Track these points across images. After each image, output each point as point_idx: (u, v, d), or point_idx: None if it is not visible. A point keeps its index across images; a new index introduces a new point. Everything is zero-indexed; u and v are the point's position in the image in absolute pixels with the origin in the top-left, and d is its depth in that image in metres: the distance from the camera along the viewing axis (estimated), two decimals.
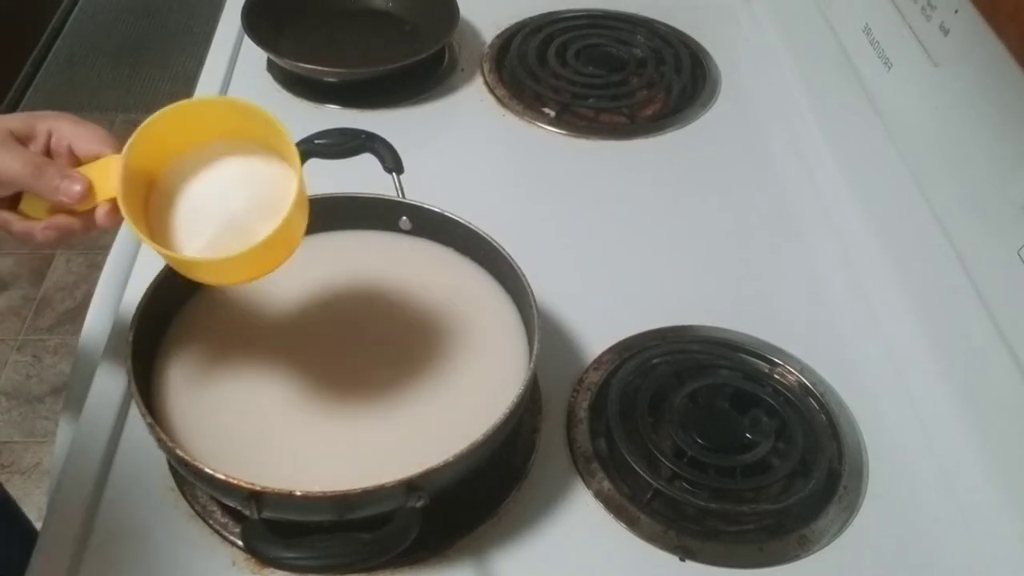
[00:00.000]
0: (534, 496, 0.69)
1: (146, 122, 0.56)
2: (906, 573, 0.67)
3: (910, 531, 0.69)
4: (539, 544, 0.66)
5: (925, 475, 0.72)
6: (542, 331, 0.66)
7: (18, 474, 1.70)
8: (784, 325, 0.82)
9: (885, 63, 0.88)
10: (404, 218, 0.77)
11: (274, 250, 0.57)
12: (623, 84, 1.08)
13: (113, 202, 0.56)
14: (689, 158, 1.01)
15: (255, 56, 1.08)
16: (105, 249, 0.90)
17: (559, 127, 1.03)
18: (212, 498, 0.67)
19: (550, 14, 1.18)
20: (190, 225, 0.58)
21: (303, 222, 0.58)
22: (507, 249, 0.71)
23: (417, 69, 1.07)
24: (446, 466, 0.57)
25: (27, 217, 0.59)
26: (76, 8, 2.86)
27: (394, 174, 0.75)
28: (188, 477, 0.65)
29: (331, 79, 1.05)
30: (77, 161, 0.58)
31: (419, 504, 0.56)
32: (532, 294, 0.68)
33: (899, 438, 0.74)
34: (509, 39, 1.14)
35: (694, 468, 0.69)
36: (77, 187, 0.56)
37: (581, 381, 0.76)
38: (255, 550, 0.54)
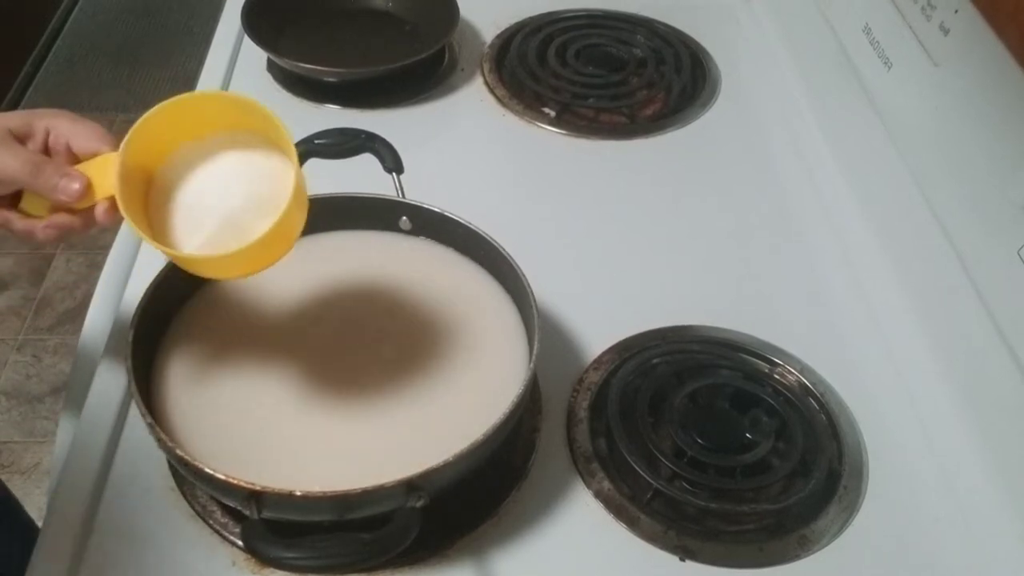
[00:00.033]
0: (534, 496, 0.69)
1: (142, 119, 0.56)
2: (906, 573, 0.67)
3: (910, 531, 0.69)
4: (539, 544, 0.66)
5: (925, 475, 0.72)
6: (542, 331, 0.66)
7: (18, 474, 1.70)
8: (784, 325, 0.82)
9: (885, 63, 0.88)
10: (404, 218, 0.77)
11: (273, 245, 0.57)
12: (623, 84, 1.08)
13: (112, 199, 0.56)
14: (689, 158, 1.01)
15: (255, 56, 1.08)
16: (105, 249, 0.90)
17: (559, 127, 1.03)
18: (212, 498, 0.67)
19: (550, 14, 1.18)
20: (189, 220, 0.58)
21: (302, 216, 0.58)
22: (507, 249, 0.71)
23: (417, 69, 1.07)
24: (446, 466, 0.57)
25: (28, 215, 0.59)
26: (76, 8, 2.86)
27: (394, 174, 0.75)
28: (188, 477, 0.65)
29: (331, 79, 1.05)
30: (75, 159, 0.58)
31: (419, 504, 0.56)
32: (532, 294, 0.68)
33: (899, 438, 0.74)
34: (509, 39, 1.14)
35: (694, 468, 0.69)
36: (76, 185, 0.56)
37: (581, 381, 0.76)
38: (255, 550, 0.54)
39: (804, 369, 0.78)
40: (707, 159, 1.01)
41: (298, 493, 0.55)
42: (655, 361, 0.77)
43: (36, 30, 2.68)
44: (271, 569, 0.64)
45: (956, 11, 0.75)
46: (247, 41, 1.07)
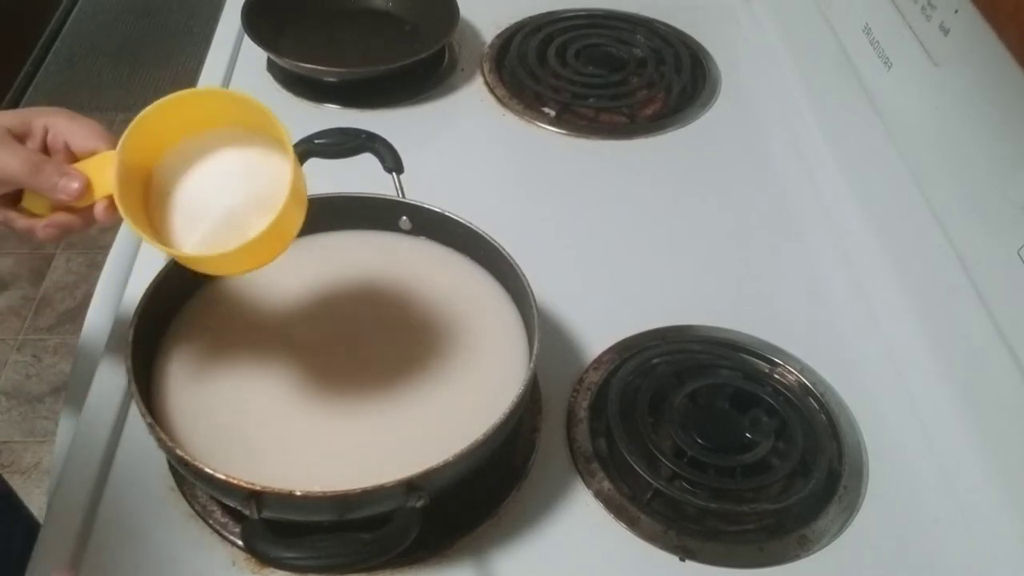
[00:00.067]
0: (534, 496, 0.69)
1: (138, 117, 0.56)
2: (906, 573, 0.67)
3: (910, 531, 0.69)
4: (539, 544, 0.66)
5: (925, 475, 0.72)
6: (542, 331, 0.66)
7: (18, 474, 1.70)
8: (784, 325, 0.82)
9: (885, 63, 0.88)
10: (404, 218, 0.77)
11: (272, 242, 0.57)
12: (623, 84, 1.08)
13: (112, 198, 0.56)
14: (689, 158, 1.01)
15: (255, 56, 1.08)
16: (105, 249, 0.90)
17: (559, 127, 1.03)
18: (212, 498, 0.67)
19: (550, 14, 1.18)
20: (188, 217, 0.58)
21: (300, 212, 0.58)
22: (507, 249, 0.71)
23: (417, 69, 1.07)
24: (446, 466, 0.57)
25: (29, 213, 0.59)
26: (76, 8, 2.86)
27: (394, 174, 0.75)
28: (188, 477, 0.65)
29: (331, 79, 1.05)
30: (74, 157, 0.58)
31: (419, 504, 0.56)
32: (532, 294, 0.68)
33: (899, 438, 0.74)
34: (509, 39, 1.14)
35: (694, 468, 0.69)
36: (75, 184, 0.56)
37: (581, 381, 0.76)
38: (255, 550, 0.54)
39: (804, 369, 0.78)
40: (707, 159, 1.01)
41: (298, 493, 0.55)
42: (655, 361, 0.77)
43: (36, 30, 2.68)
44: (271, 569, 0.64)
45: (956, 11, 0.75)
46: (247, 41, 1.07)
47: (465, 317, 0.72)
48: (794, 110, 1.03)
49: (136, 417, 0.59)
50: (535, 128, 1.03)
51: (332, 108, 1.04)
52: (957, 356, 0.74)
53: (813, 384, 0.77)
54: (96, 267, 1.51)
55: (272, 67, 1.08)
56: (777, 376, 0.77)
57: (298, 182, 0.56)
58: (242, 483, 0.55)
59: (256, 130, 0.58)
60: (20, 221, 0.59)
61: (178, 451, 0.58)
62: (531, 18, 1.18)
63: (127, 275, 0.84)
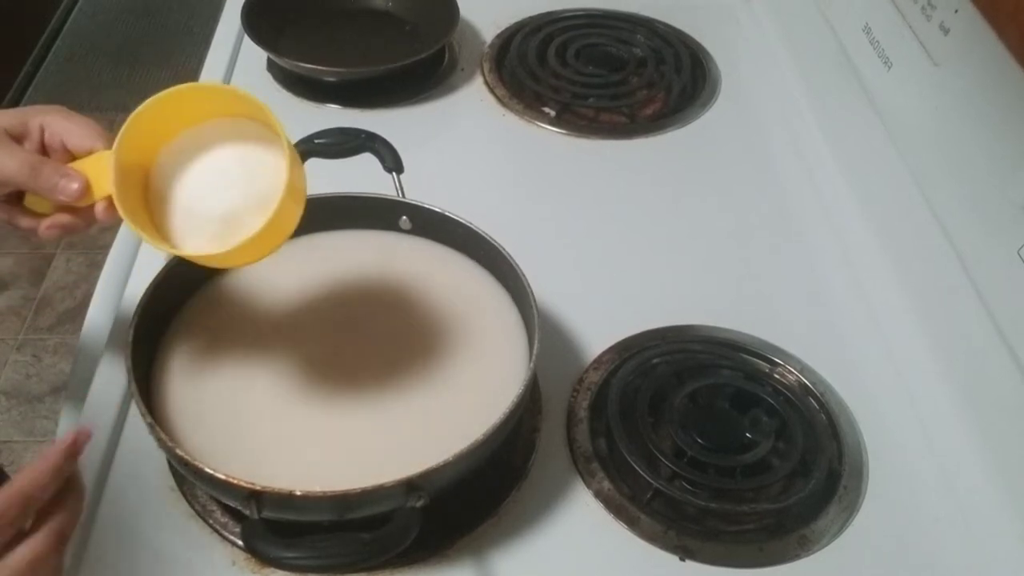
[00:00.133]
0: (534, 496, 0.69)
1: (133, 115, 0.55)
2: (906, 573, 0.67)
3: (910, 531, 0.69)
4: (539, 544, 0.66)
5: (925, 475, 0.72)
6: (542, 331, 0.66)
7: None
8: (784, 325, 0.82)
9: (885, 63, 0.88)
10: (404, 218, 0.77)
11: (270, 238, 0.56)
12: (623, 84, 1.08)
13: (111, 197, 0.56)
14: (689, 158, 1.01)
15: (255, 56, 1.08)
16: (105, 249, 0.90)
17: (559, 127, 1.03)
18: (212, 498, 0.67)
19: (550, 14, 1.18)
20: (187, 213, 0.58)
21: (299, 207, 0.58)
22: (507, 249, 0.71)
23: (417, 69, 1.07)
24: (446, 466, 0.57)
25: (32, 212, 0.59)
26: (76, 8, 2.86)
27: (394, 174, 0.75)
28: (188, 477, 0.65)
29: (331, 79, 1.05)
30: (72, 156, 0.58)
31: (419, 504, 0.56)
32: (532, 294, 0.68)
33: (899, 438, 0.74)
34: (509, 39, 1.14)
35: (694, 468, 0.69)
36: (75, 185, 0.56)
37: (581, 381, 0.76)
38: (255, 550, 0.54)
39: (804, 369, 0.78)
40: (707, 159, 1.01)
41: (298, 493, 0.55)
42: (655, 361, 0.77)
43: (36, 30, 2.68)
44: (271, 569, 0.64)
45: (956, 11, 0.75)
46: (247, 41, 1.07)
47: (465, 317, 0.72)
48: (794, 110, 1.03)
49: (136, 417, 0.59)
50: (535, 128, 1.03)
51: (332, 108, 1.04)
52: (957, 356, 0.74)
53: (813, 384, 0.77)
54: (96, 267, 1.51)
55: (272, 67, 1.08)
56: (777, 376, 0.77)
57: (295, 177, 0.55)
58: (242, 483, 0.55)
59: (253, 124, 0.58)
60: (23, 220, 0.59)
61: (178, 451, 0.58)
62: (531, 18, 1.18)
63: (127, 275, 0.84)
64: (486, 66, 1.11)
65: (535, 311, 0.67)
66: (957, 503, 0.70)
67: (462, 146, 1.03)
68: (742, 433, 0.72)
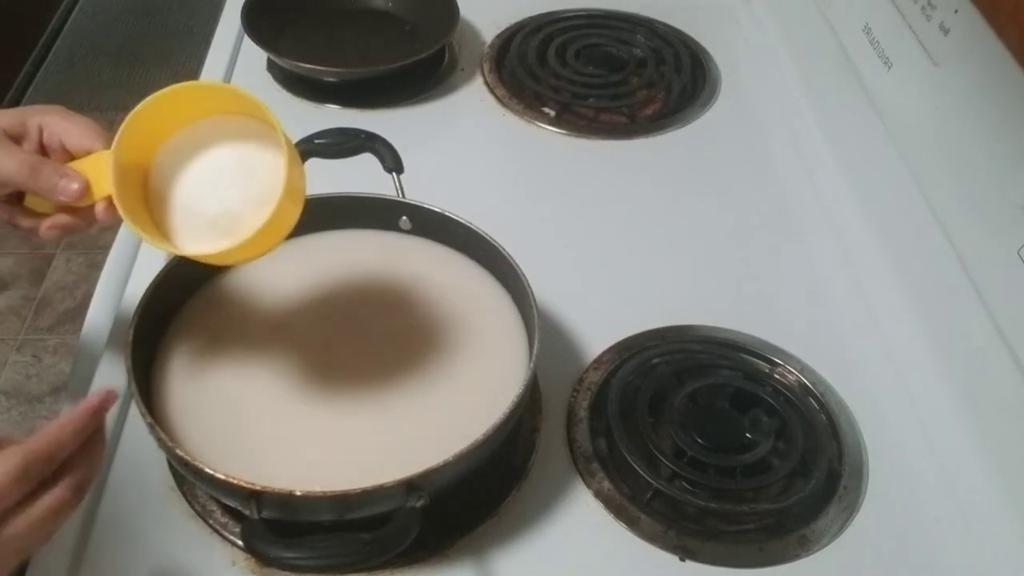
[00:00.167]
0: (534, 496, 0.69)
1: (131, 114, 0.55)
2: (906, 573, 0.67)
3: (910, 531, 0.69)
4: (539, 544, 0.66)
5: (925, 475, 0.72)
6: (542, 331, 0.66)
7: None
8: (784, 325, 0.82)
9: (885, 63, 0.88)
10: (404, 218, 0.77)
11: (270, 235, 0.56)
12: (623, 84, 1.08)
13: (111, 197, 0.56)
14: (689, 158, 1.01)
15: (255, 56, 1.08)
16: (105, 249, 0.90)
17: (559, 127, 1.03)
18: (212, 498, 0.67)
19: (550, 14, 1.18)
20: (187, 212, 0.58)
21: (297, 204, 0.58)
22: (507, 249, 0.71)
23: (417, 69, 1.07)
24: (446, 466, 0.57)
25: (33, 212, 0.59)
26: (76, 8, 2.86)
27: (394, 174, 0.75)
28: (188, 477, 0.65)
29: (331, 79, 1.05)
30: (71, 156, 0.58)
31: (419, 504, 0.56)
32: (532, 294, 0.68)
33: (899, 438, 0.74)
34: (509, 39, 1.14)
35: (694, 468, 0.69)
36: (75, 186, 0.56)
37: (581, 381, 0.76)
38: (255, 550, 0.54)
39: (804, 369, 0.78)
40: (707, 159, 1.01)
41: (298, 493, 0.55)
42: (655, 361, 0.77)
43: (36, 30, 2.68)
44: (271, 569, 0.64)
45: (956, 11, 0.75)
46: (247, 41, 1.07)
47: (465, 317, 0.72)
48: (794, 110, 1.03)
49: (136, 417, 0.59)
50: (535, 128, 1.03)
51: (332, 108, 1.04)
52: (957, 356, 0.74)
53: (813, 384, 0.77)
54: (96, 267, 1.51)
55: (272, 67, 1.08)
56: (777, 376, 0.77)
57: (294, 175, 0.55)
58: (242, 483, 0.55)
59: (252, 123, 0.58)
60: (24, 220, 0.59)
61: (178, 451, 0.58)
62: (531, 18, 1.18)
63: (127, 275, 0.84)
64: (486, 66, 1.11)
65: (535, 311, 0.67)
66: (957, 503, 0.70)
67: (462, 146, 1.03)
68: (742, 433, 0.72)
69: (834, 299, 0.86)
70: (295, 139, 0.65)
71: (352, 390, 0.67)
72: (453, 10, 1.10)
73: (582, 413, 0.74)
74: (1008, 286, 0.68)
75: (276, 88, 1.06)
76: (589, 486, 0.70)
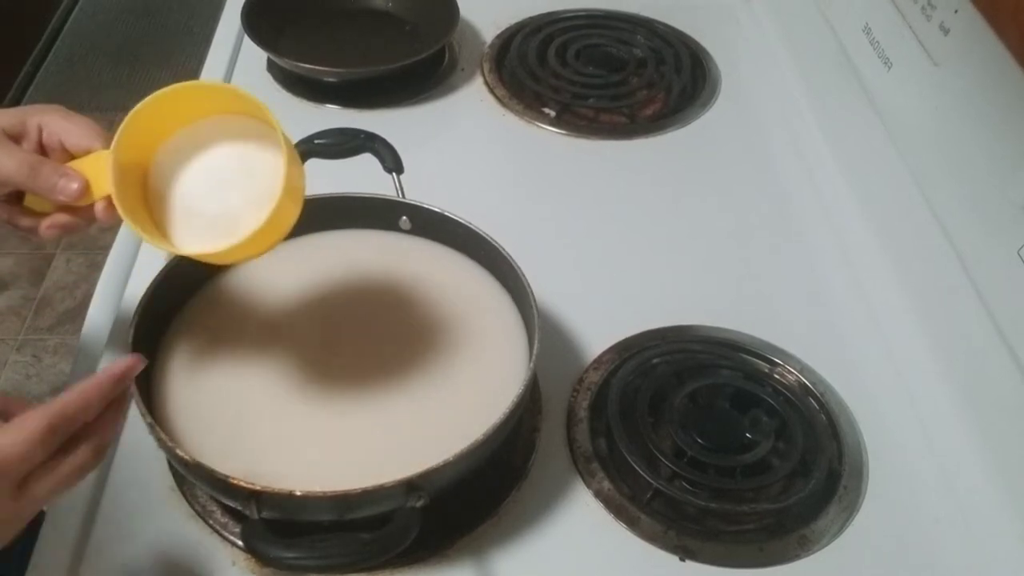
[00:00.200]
0: (534, 496, 0.69)
1: (131, 114, 0.55)
2: (906, 573, 0.67)
3: (910, 531, 0.69)
4: (539, 544, 0.66)
5: (925, 475, 0.72)
6: (542, 331, 0.66)
7: None
8: (784, 325, 0.82)
9: (885, 63, 0.88)
10: (404, 218, 0.77)
11: (269, 235, 0.56)
12: (623, 84, 1.08)
13: (110, 197, 0.56)
14: (689, 158, 1.01)
15: (255, 56, 1.08)
16: (105, 249, 0.90)
17: (559, 127, 1.03)
18: (212, 498, 0.67)
19: (550, 14, 1.18)
20: (186, 211, 0.58)
21: (296, 204, 0.58)
22: (507, 249, 0.71)
23: (417, 69, 1.07)
24: (446, 466, 0.57)
25: (32, 211, 0.59)
26: (76, 8, 2.86)
27: (394, 174, 0.75)
28: (188, 477, 0.65)
29: (331, 79, 1.05)
30: (70, 155, 0.58)
31: (419, 504, 0.56)
32: (532, 294, 0.68)
33: (899, 438, 0.74)
34: (509, 39, 1.14)
35: (694, 468, 0.69)
36: (74, 185, 0.56)
37: (581, 381, 0.76)
38: (255, 550, 0.54)
39: (804, 369, 0.78)
40: (707, 159, 1.01)
41: (298, 493, 0.55)
42: (655, 361, 0.77)
43: (36, 30, 2.68)
44: (271, 569, 0.64)
45: (956, 11, 0.75)
46: (247, 41, 1.07)
47: (465, 317, 0.72)
48: (794, 110, 1.03)
49: (136, 417, 0.59)
50: (535, 128, 1.03)
51: (332, 108, 1.04)
52: (957, 356, 0.74)
53: (813, 384, 0.77)
54: (96, 267, 1.51)
55: (272, 67, 1.08)
56: (777, 376, 0.77)
57: (293, 175, 0.55)
58: (242, 483, 0.55)
59: (252, 123, 0.58)
60: (23, 220, 0.59)
61: (178, 451, 0.58)
62: (531, 18, 1.18)
63: (127, 275, 0.84)
64: (486, 66, 1.11)
65: (535, 311, 0.67)
66: (957, 503, 0.70)
67: (462, 146, 1.03)
68: (742, 433, 0.72)
69: (834, 299, 0.86)
70: (295, 139, 0.65)
71: (352, 390, 0.67)
72: (453, 10, 1.10)
73: (582, 413, 0.74)
74: (1008, 286, 0.68)
75: (276, 88, 1.06)
76: (589, 486, 0.70)
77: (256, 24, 1.07)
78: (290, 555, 0.53)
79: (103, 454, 0.51)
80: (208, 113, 0.58)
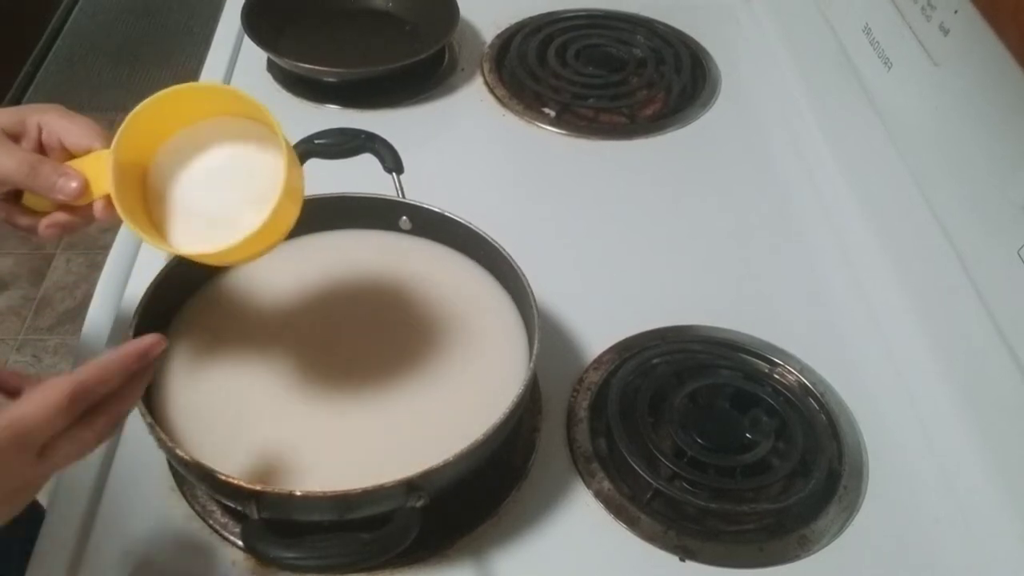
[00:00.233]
0: (534, 496, 0.69)
1: (131, 115, 0.55)
2: (906, 573, 0.67)
3: (910, 531, 0.69)
4: (539, 544, 0.66)
5: (925, 475, 0.72)
6: (542, 331, 0.66)
7: None
8: (784, 325, 0.82)
9: (885, 63, 0.88)
10: (404, 218, 0.77)
11: (268, 235, 0.56)
12: (623, 84, 1.08)
13: (110, 196, 0.56)
14: (689, 158, 1.01)
15: (255, 56, 1.08)
16: (105, 249, 0.90)
17: (559, 127, 1.03)
18: (212, 498, 0.67)
19: (550, 14, 1.18)
20: (185, 211, 0.58)
21: (296, 205, 0.58)
22: (507, 249, 0.71)
23: (417, 69, 1.07)
24: (446, 466, 0.57)
25: (31, 211, 0.59)
26: (76, 8, 2.86)
27: (394, 174, 0.75)
28: (188, 477, 0.65)
29: (331, 79, 1.05)
30: (69, 155, 0.58)
31: (419, 504, 0.56)
32: (532, 294, 0.68)
33: (899, 438, 0.74)
34: (509, 39, 1.14)
35: (694, 468, 0.69)
36: (74, 184, 0.56)
37: (581, 381, 0.76)
38: (255, 550, 0.54)
39: (804, 369, 0.78)
40: (707, 159, 1.01)
41: (298, 493, 0.55)
42: (655, 361, 0.77)
43: (36, 30, 2.68)
44: (271, 569, 0.64)
45: (956, 11, 0.75)
46: (247, 41, 1.07)
47: (465, 317, 0.72)
48: (794, 110, 1.03)
49: (136, 417, 0.58)
50: (535, 128, 1.03)
51: (332, 108, 1.04)
52: (957, 356, 0.74)
53: (813, 384, 0.77)
54: (96, 267, 1.51)
55: (272, 67, 1.08)
56: (777, 376, 0.77)
57: (293, 176, 0.55)
58: (242, 483, 0.55)
59: (252, 124, 0.58)
60: (22, 219, 0.59)
61: (178, 451, 0.58)
62: (531, 18, 1.18)
63: (127, 275, 0.84)
64: (486, 66, 1.11)
65: (535, 311, 0.67)
66: (957, 503, 0.70)
67: (462, 146, 1.03)
68: (742, 433, 0.72)
69: (834, 299, 0.86)
70: (295, 139, 0.65)
71: (352, 390, 0.67)
72: (453, 10, 1.10)
73: (582, 413, 0.74)
74: (1008, 286, 0.68)
75: (276, 88, 1.06)
76: (589, 486, 0.70)
77: (256, 24, 1.07)
78: (290, 555, 0.53)
79: (117, 425, 0.52)
80: (208, 114, 0.58)
